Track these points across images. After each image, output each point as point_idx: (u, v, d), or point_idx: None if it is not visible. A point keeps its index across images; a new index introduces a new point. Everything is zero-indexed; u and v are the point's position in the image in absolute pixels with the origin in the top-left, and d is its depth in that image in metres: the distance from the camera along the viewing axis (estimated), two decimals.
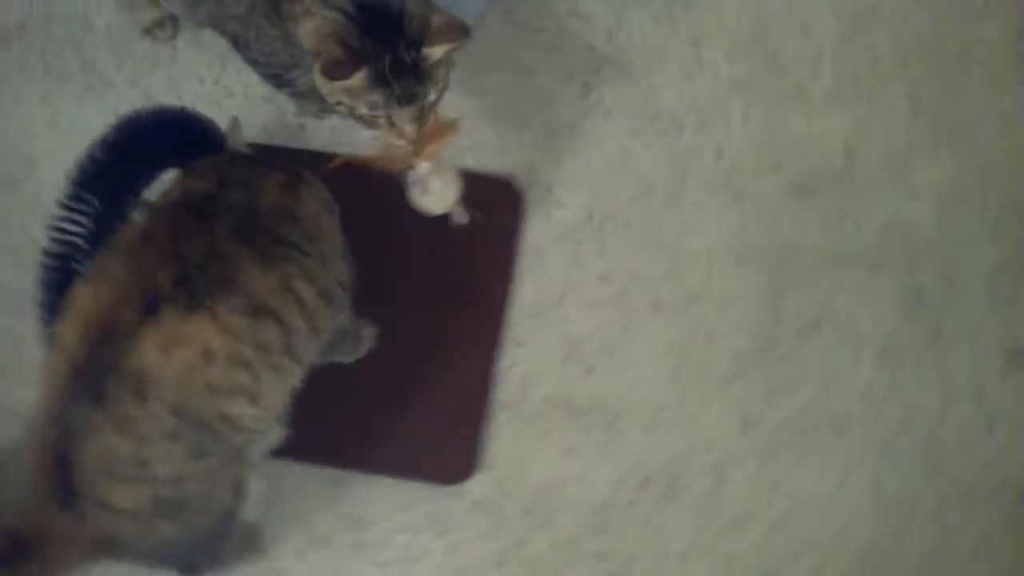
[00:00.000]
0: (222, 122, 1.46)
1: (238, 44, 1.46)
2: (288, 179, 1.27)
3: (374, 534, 1.51)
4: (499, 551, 1.49)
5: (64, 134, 1.72)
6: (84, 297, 1.13)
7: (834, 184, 1.54)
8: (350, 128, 1.67)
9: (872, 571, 1.44)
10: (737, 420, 1.50)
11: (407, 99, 1.24)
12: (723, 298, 1.54)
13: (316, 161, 1.65)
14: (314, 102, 1.66)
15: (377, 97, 1.24)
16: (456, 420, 1.55)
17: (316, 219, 1.26)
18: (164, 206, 1.25)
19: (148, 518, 1.15)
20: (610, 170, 1.62)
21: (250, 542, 1.47)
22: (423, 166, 1.42)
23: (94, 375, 1.07)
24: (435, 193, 1.50)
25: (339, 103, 1.27)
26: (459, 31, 1.23)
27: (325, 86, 1.25)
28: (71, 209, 1.32)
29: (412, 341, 1.57)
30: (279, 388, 1.21)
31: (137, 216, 1.32)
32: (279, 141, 1.70)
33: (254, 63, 1.49)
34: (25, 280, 1.32)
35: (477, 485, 1.52)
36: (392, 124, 1.28)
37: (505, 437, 1.54)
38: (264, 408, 1.19)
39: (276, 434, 1.27)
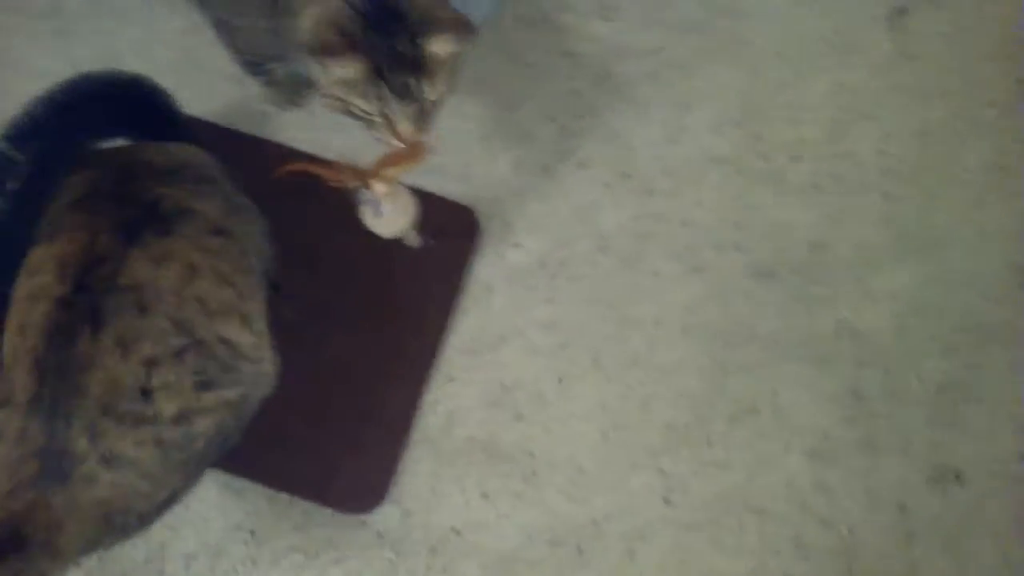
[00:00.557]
0: (184, 95, 1.40)
1: (220, 27, 1.39)
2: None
3: (269, 550, 1.44)
4: None
5: (13, 72, 1.64)
6: (48, 250, 1.10)
7: (796, 274, 1.52)
8: (313, 123, 1.62)
9: None
10: (660, 491, 1.46)
11: (404, 94, 1.18)
12: (664, 368, 1.51)
13: (274, 152, 1.60)
14: (285, 92, 1.60)
15: (373, 89, 1.17)
16: (372, 446, 1.48)
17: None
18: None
19: (151, 470, 1.10)
20: (574, 219, 1.58)
21: None
22: (378, 188, 1.36)
23: (87, 299, 1.06)
24: (387, 216, 1.45)
25: (335, 98, 1.21)
26: (463, 28, 1.17)
27: (323, 77, 1.19)
28: None
29: (340, 357, 1.51)
30: (260, 312, 1.23)
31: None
32: (239, 126, 1.64)
33: (233, 48, 1.43)
34: None
35: (383, 516, 1.46)
36: (389, 123, 1.22)
37: (421, 472, 1.48)
38: (257, 335, 1.21)
39: (269, 377, 1.25)
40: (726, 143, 1.59)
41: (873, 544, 1.42)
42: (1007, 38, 1.58)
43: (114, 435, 1.06)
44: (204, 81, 1.66)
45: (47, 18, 1.68)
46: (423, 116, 1.22)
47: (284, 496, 1.47)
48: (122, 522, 1.11)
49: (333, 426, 1.49)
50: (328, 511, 1.46)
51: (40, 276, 1.09)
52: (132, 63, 1.66)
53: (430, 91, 1.20)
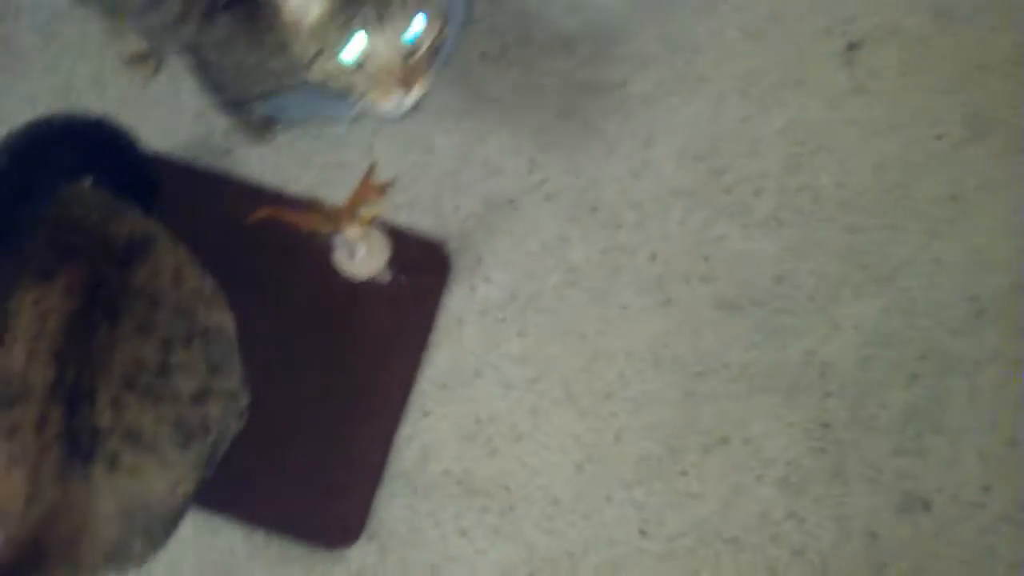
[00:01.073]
0: (143, 131, 1.40)
1: (204, 69, 1.37)
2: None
3: None
4: None
5: None
6: (47, 287, 1.16)
7: (761, 306, 1.55)
8: (279, 159, 1.61)
9: None
10: (636, 522, 1.47)
11: (383, 13, 1.09)
12: (637, 399, 1.53)
13: (239, 190, 1.59)
14: (256, 128, 1.59)
15: (349, 19, 1.08)
16: (346, 482, 1.48)
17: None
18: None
19: (170, 456, 1.14)
20: (543, 253, 1.60)
21: None
22: (353, 231, 1.36)
23: (102, 300, 1.14)
24: (361, 259, 1.46)
25: (316, 56, 1.12)
26: None
27: (298, 37, 1.12)
28: None
29: (313, 393, 1.50)
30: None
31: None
32: (202, 160, 1.63)
33: (217, 89, 1.41)
34: None
35: (360, 552, 1.46)
36: (377, 68, 1.13)
37: (396, 507, 1.48)
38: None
39: (242, 411, 1.30)
40: (689, 176, 1.62)
41: (845, 573, 1.45)
42: (958, 72, 1.63)
43: (136, 408, 1.10)
44: (163, 116, 1.65)
45: None
46: (413, 52, 1.14)
47: (259, 533, 1.46)
48: (144, 524, 1.13)
49: (307, 462, 1.48)
50: (304, 548, 1.46)
51: (44, 303, 1.13)
52: (88, 99, 1.66)
53: (413, 13, 1.12)
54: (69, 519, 1.06)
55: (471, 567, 1.46)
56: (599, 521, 1.48)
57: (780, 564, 1.46)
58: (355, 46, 1.11)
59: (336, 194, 1.46)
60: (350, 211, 1.32)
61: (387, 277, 1.54)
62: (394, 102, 1.16)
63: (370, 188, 1.33)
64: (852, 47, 1.67)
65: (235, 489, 1.42)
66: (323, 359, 1.52)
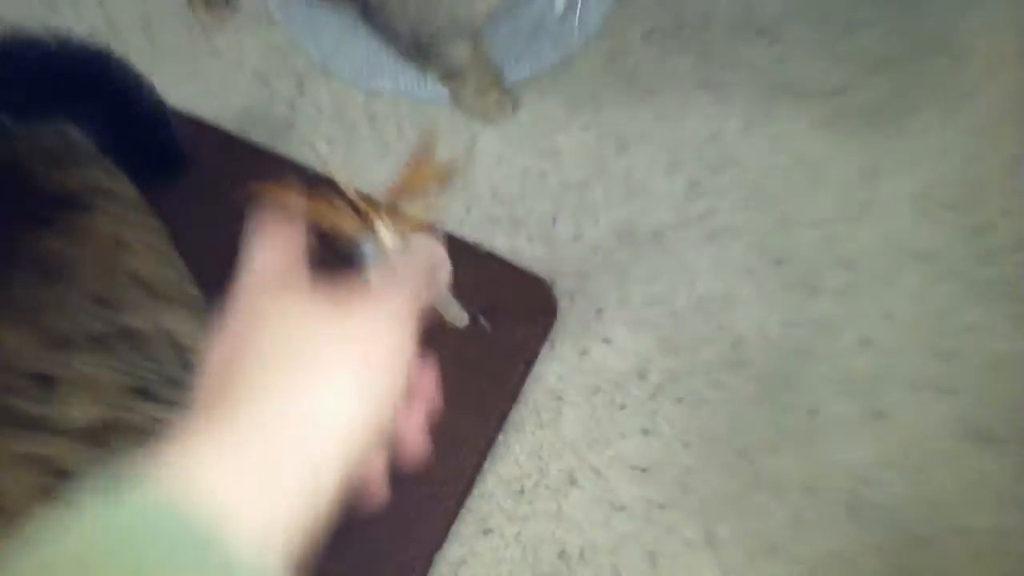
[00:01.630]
0: (195, 92, 1.06)
1: (378, 12, 0.96)
2: None
3: None
4: None
5: None
6: None
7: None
8: (349, 145, 1.17)
9: None
10: None
11: None
12: (814, 561, 0.98)
13: (290, 174, 1.15)
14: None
15: None
16: None
17: None
18: None
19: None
20: (695, 313, 1.07)
21: None
22: (387, 235, 0.84)
23: None
24: (402, 279, 0.94)
25: None
26: None
27: None
28: None
29: None
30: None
31: None
32: (256, 135, 1.19)
33: (396, 28, 0.99)
34: None
35: None
36: None
37: None
38: None
39: None
40: (931, 231, 1.07)
41: None
42: None
43: None
44: (219, 74, 1.24)
45: None
46: None
47: None
48: None
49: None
50: None
51: None
52: (134, 42, 1.26)
53: None
54: None
55: None
56: None
57: None
58: None
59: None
60: (390, 203, 0.81)
61: (462, 321, 1.04)
62: None
63: (423, 169, 0.82)
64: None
65: None
66: None
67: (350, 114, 1.19)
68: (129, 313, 0.80)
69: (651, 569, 0.98)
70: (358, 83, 1.19)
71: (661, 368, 1.06)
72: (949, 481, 0.99)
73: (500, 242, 1.10)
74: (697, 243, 1.10)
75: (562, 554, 1.00)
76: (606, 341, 1.08)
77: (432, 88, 1.15)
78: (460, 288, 1.04)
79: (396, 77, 1.17)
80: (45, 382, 0.72)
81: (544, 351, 1.07)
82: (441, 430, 0.99)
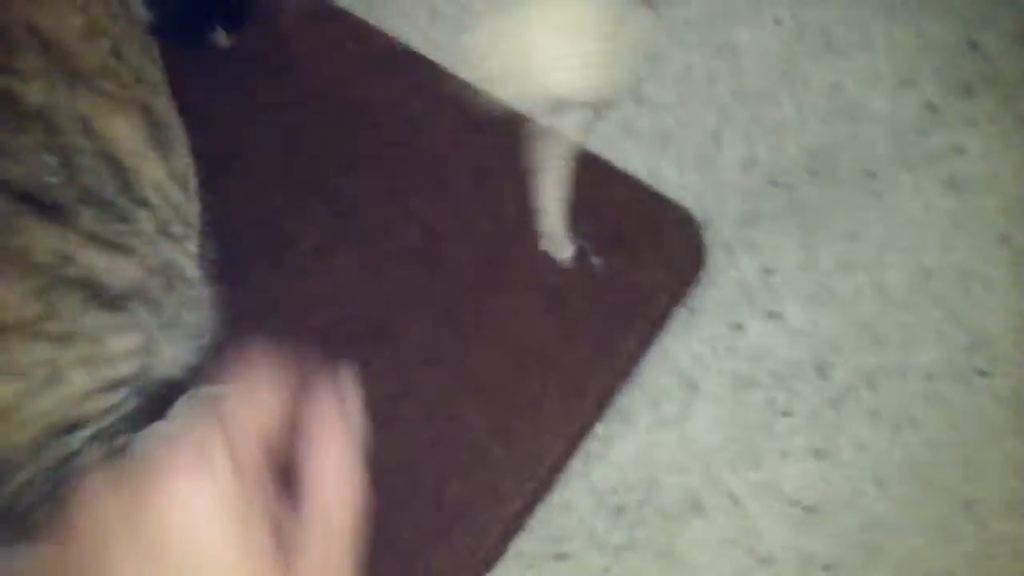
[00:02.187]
0: None
1: None
2: None
3: None
4: None
5: None
6: None
7: None
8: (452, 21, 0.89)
9: None
10: None
11: None
12: None
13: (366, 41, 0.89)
14: None
15: None
16: None
17: None
18: None
19: None
20: (918, 294, 0.74)
21: None
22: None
23: None
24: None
25: None
26: None
27: None
28: None
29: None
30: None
31: None
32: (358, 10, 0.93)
33: None
34: None
35: None
36: None
37: None
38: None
39: None
40: None
41: None
42: None
43: None
44: None
45: None
46: None
47: None
48: None
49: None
50: None
51: None
52: None
53: None
54: None
55: None
56: None
57: None
58: None
59: None
60: None
61: (568, 252, 0.74)
62: None
63: None
64: None
65: None
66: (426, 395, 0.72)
67: None
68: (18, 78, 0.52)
69: None
70: None
71: (853, 365, 0.73)
72: None
73: (636, 161, 0.79)
74: (929, 192, 0.76)
75: None
76: (773, 316, 0.75)
77: None
78: (571, 211, 0.75)
79: None
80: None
81: (679, 317, 0.75)
82: (518, 401, 0.69)
